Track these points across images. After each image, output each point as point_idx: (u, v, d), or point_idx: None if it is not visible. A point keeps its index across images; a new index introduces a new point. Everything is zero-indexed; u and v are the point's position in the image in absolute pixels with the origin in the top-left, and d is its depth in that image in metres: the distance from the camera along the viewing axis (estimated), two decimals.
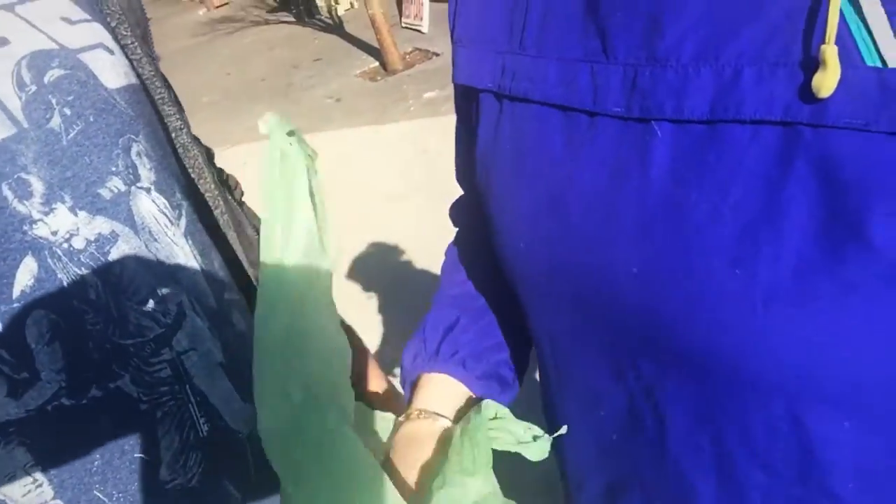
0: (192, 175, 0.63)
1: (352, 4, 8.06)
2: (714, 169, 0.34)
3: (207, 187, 0.64)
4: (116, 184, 0.53)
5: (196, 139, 0.69)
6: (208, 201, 0.64)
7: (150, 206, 0.55)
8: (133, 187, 0.54)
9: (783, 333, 0.33)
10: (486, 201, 0.51)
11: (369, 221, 3.37)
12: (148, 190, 0.55)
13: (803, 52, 0.31)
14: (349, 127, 4.81)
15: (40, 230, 0.48)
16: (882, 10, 0.29)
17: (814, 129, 0.31)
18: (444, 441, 0.51)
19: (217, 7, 12.46)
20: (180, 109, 0.65)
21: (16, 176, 0.46)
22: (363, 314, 2.62)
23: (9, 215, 0.46)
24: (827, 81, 0.30)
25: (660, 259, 0.37)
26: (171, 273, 0.55)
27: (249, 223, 0.73)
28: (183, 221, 0.59)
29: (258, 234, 0.70)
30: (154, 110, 0.60)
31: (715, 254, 0.34)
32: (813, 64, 0.30)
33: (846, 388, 0.33)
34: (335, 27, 7.70)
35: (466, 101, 0.53)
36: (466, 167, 0.58)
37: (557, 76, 0.41)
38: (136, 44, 0.59)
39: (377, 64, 5.87)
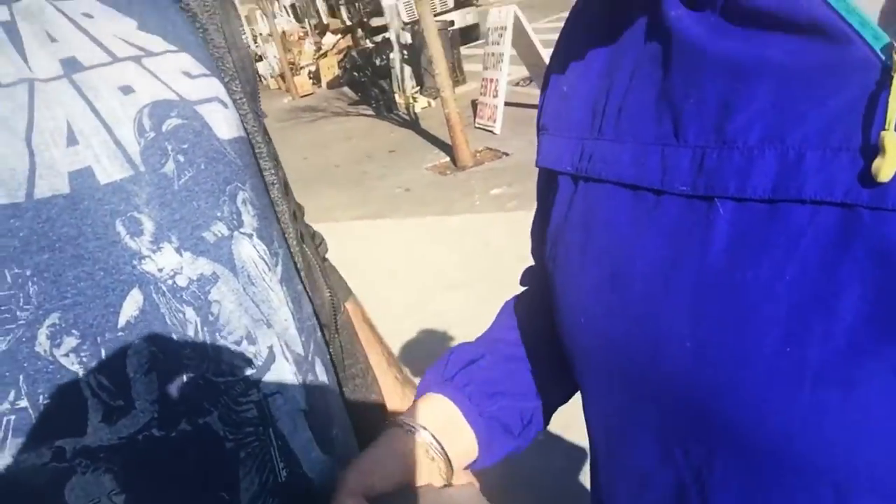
0: (283, 226, 0.66)
1: (429, 103, 8.43)
2: (772, 247, 0.35)
3: (292, 242, 0.66)
4: (220, 228, 0.56)
5: (289, 194, 0.73)
6: (293, 254, 0.66)
7: (251, 251, 0.58)
8: (236, 232, 0.57)
9: (830, 415, 0.33)
10: (552, 275, 0.53)
11: (427, 307, 3.42)
12: (250, 236, 0.58)
13: (864, 139, 0.33)
14: (416, 216, 4.96)
15: (148, 266, 0.50)
16: None
17: (872, 211, 0.32)
18: (408, 453, 0.55)
19: (302, 96, 13.21)
20: (277, 164, 0.68)
21: (129, 214, 0.50)
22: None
23: (121, 249, 0.49)
24: (886, 167, 0.31)
25: (713, 335, 0.38)
26: (266, 317, 0.58)
27: (325, 281, 0.75)
28: (279, 269, 0.61)
29: (330, 292, 0.74)
30: (256, 162, 0.63)
31: (767, 331, 0.35)
32: (873, 150, 0.32)
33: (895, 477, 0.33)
34: (411, 123, 8.04)
35: (545, 184, 0.57)
36: (539, 243, 0.61)
37: (631, 158, 0.44)
38: (245, 100, 0.63)
39: (448, 159, 6.08)
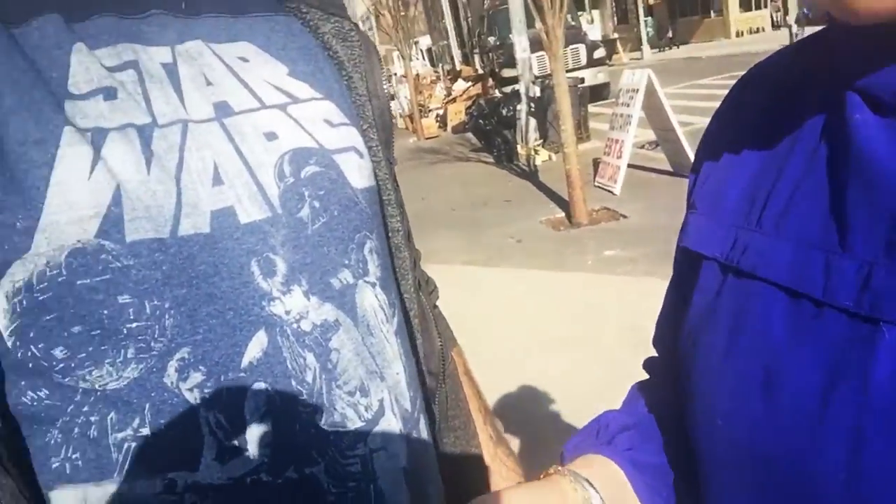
0: (399, 275, 0.66)
1: (550, 157, 8.45)
2: None
3: (409, 289, 0.67)
4: (347, 276, 0.56)
5: (410, 241, 0.73)
6: (406, 303, 0.67)
7: (373, 300, 0.59)
8: (360, 281, 0.58)
9: None
10: (687, 368, 0.51)
11: (524, 363, 3.36)
12: (373, 285, 0.59)
13: None
14: (525, 268, 4.94)
15: (276, 308, 0.51)
16: None
17: None
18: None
19: (427, 138, 13.60)
20: (402, 212, 0.69)
21: (265, 255, 0.51)
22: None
23: (252, 290, 0.50)
24: None
25: (871, 471, 0.35)
26: (380, 369, 0.58)
27: (437, 329, 0.74)
28: (395, 320, 0.62)
29: (440, 341, 0.74)
30: (383, 211, 0.65)
31: None
32: None
33: None
34: (530, 174, 8.08)
35: (687, 266, 0.54)
36: (669, 330, 0.58)
37: (790, 259, 0.41)
38: (380, 147, 0.65)
39: (563, 215, 6.04)
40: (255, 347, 0.50)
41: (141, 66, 0.51)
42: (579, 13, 18.54)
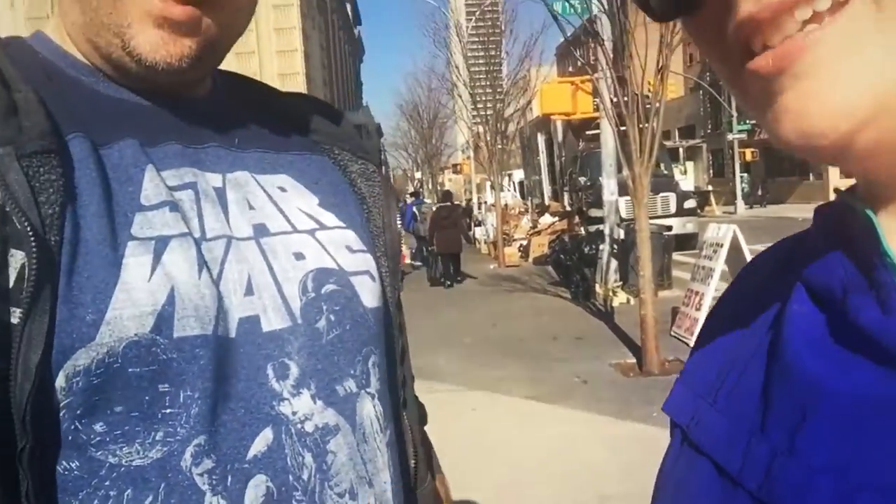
0: (397, 391, 0.72)
1: (628, 300, 8.36)
2: None
3: (404, 405, 0.73)
4: (351, 385, 0.62)
5: (405, 362, 0.79)
6: (400, 418, 0.72)
7: (371, 410, 0.64)
8: (363, 391, 0.63)
9: None
10: None
11: None
12: (373, 396, 0.65)
13: None
14: (587, 411, 4.78)
15: (285, 408, 0.57)
16: None
17: None
18: None
19: (507, 266, 13.76)
20: (402, 333, 0.77)
21: (280, 360, 0.57)
22: None
23: (265, 391, 0.56)
24: None
25: None
26: (369, 475, 0.62)
27: (415, 450, 0.76)
28: (388, 433, 0.67)
29: (415, 461, 0.74)
30: (387, 330, 0.72)
31: None
32: None
33: None
34: (605, 315, 7.98)
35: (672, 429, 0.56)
36: None
37: (725, 436, 0.42)
38: (388, 273, 0.73)
39: (634, 361, 5.89)
40: (261, 443, 0.56)
41: (198, 186, 0.60)
42: (674, 164, 18.79)
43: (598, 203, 10.96)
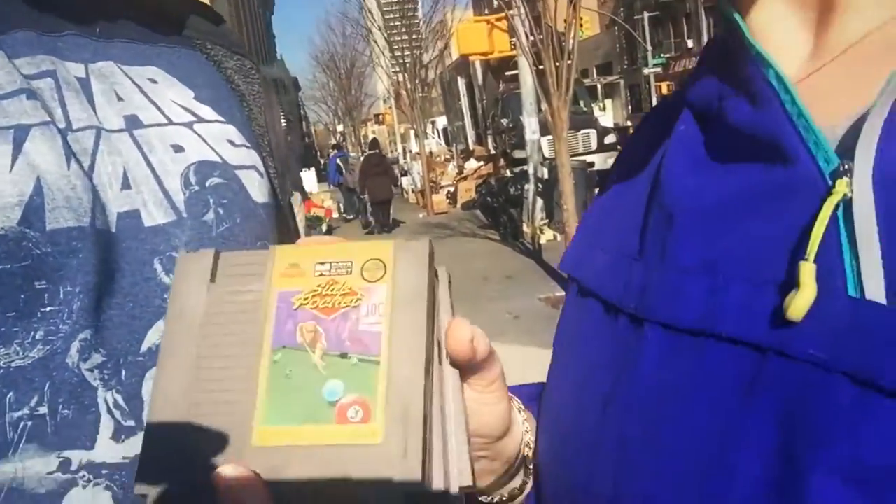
0: None
1: (555, 237, 8.52)
2: (689, 386, 0.33)
3: None
4: None
5: None
6: None
7: None
8: None
9: None
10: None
11: None
12: None
13: (788, 271, 0.29)
14: (520, 345, 4.90)
15: None
16: (876, 238, 0.27)
17: (779, 357, 0.29)
18: None
19: (436, 213, 13.79)
20: (297, 238, 0.76)
21: (168, 254, 0.54)
22: None
23: (154, 285, 0.53)
24: (798, 302, 0.27)
25: (631, 482, 0.35)
26: None
27: None
28: None
29: None
30: (279, 229, 0.70)
31: (679, 479, 0.32)
32: (792, 285, 0.28)
33: None
34: (533, 253, 8.13)
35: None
36: None
37: (609, 270, 0.42)
38: (276, 176, 0.70)
39: (563, 294, 6.02)
40: (155, 335, 0.53)
41: (58, 75, 0.55)
42: (592, 101, 19.02)
43: (522, 144, 11.02)
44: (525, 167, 9.93)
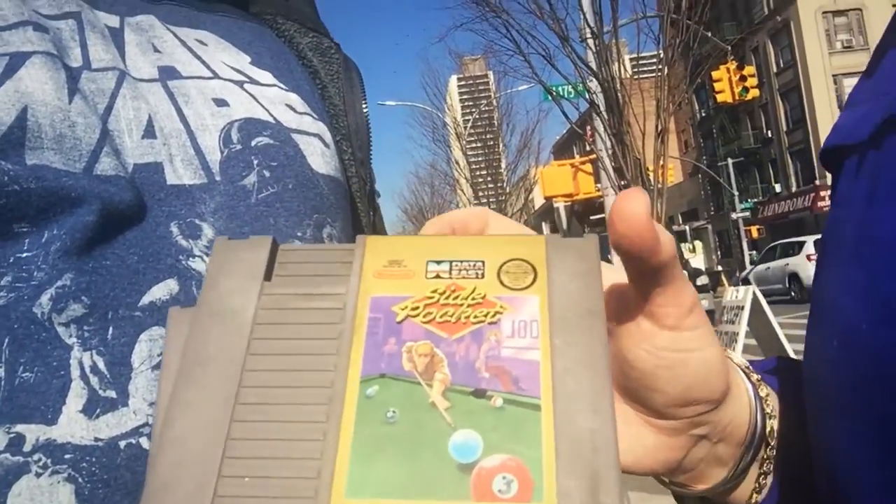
0: None
1: None
2: None
3: None
4: None
5: None
6: None
7: None
8: None
9: None
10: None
11: None
12: None
13: None
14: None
15: (195, 264, 0.44)
16: None
17: None
18: None
19: None
20: (375, 221, 0.65)
21: (189, 220, 0.45)
22: None
23: (168, 244, 0.43)
24: None
25: None
26: None
27: None
28: None
29: None
30: (353, 212, 0.58)
31: None
32: None
33: None
34: None
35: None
36: None
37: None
38: (353, 162, 0.60)
39: None
40: (162, 290, 0.41)
41: (82, 17, 0.47)
42: (682, 243, 18.86)
43: None
44: None
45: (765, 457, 0.36)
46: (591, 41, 7.57)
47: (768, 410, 0.36)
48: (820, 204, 29.21)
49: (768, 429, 0.36)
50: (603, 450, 0.21)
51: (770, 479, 0.37)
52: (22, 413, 0.36)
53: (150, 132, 0.45)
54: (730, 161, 28.65)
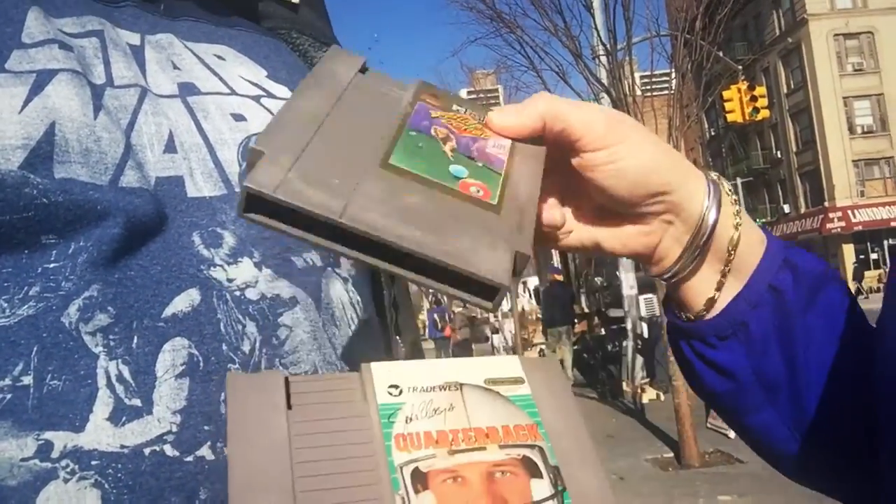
0: (378, 295, 0.62)
1: (658, 396, 8.03)
2: None
3: (387, 307, 0.63)
4: (314, 258, 0.51)
5: (404, 293, 0.71)
6: (382, 320, 0.62)
7: (343, 294, 0.52)
8: (330, 269, 0.52)
9: None
10: None
11: None
12: (345, 280, 0.53)
13: None
14: None
15: (217, 273, 0.45)
16: None
17: None
18: None
19: None
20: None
21: (210, 229, 0.46)
22: None
23: (189, 254, 0.45)
24: None
25: None
26: (340, 362, 0.50)
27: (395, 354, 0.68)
28: (370, 329, 0.56)
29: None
30: None
31: None
32: None
33: None
34: (635, 412, 7.63)
35: None
36: None
37: None
38: None
39: (672, 455, 5.54)
40: (184, 301, 0.43)
41: (105, 35, 0.48)
42: None
43: (617, 303, 10.78)
44: (622, 324, 9.64)
45: (726, 260, 0.45)
46: (603, 58, 7.60)
47: (736, 221, 0.44)
48: (828, 226, 29.12)
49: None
50: (530, 202, 0.38)
51: (731, 282, 0.45)
52: (51, 420, 0.37)
53: (171, 147, 0.47)
54: (739, 181, 28.59)
